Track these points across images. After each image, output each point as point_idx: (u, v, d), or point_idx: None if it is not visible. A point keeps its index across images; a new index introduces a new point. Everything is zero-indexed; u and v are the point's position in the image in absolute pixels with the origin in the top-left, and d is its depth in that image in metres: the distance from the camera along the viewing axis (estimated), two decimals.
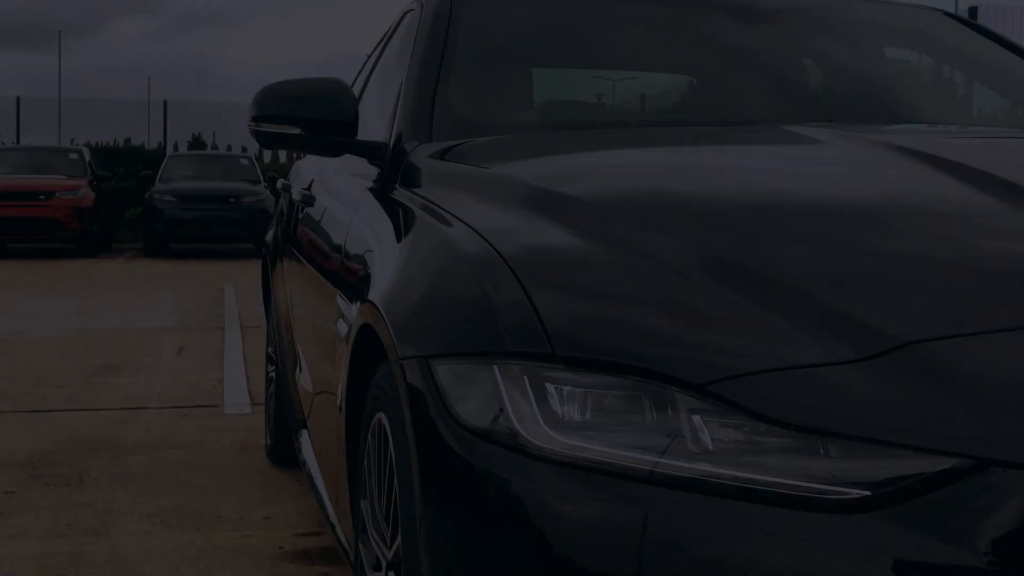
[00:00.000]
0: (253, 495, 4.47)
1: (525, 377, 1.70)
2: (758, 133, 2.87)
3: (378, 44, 4.23)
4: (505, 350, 1.74)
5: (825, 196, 2.15)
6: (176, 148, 27.79)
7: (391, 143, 2.94)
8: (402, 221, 2.46)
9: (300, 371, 3.86)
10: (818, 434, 1.55)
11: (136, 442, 5.35)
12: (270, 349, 5.23)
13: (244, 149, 26.62)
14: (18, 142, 26.59)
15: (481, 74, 3.23)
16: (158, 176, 21.24)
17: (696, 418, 1.60)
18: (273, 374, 5.04)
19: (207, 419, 5.92)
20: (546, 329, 1.72)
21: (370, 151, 3.02)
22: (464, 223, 2.13)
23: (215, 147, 28.82)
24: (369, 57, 4.33)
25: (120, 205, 24.24)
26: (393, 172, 2.81)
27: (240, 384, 6.92)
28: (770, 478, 1.54)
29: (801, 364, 1.59)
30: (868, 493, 1.51)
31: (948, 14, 3.83)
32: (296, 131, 2.98)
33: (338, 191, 3.43)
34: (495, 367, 1.73)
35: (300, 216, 4.05)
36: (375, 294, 2.23)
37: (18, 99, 27.79)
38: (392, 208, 2.61)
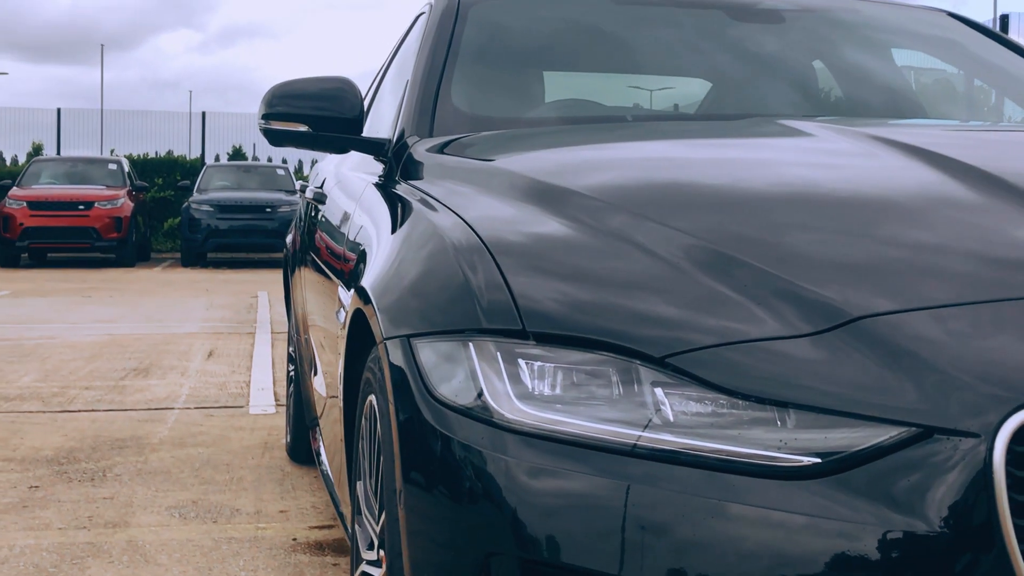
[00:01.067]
0: (271, 490, 4.55)
1: (498, 353, 1.77)
2: (752, 126, 2.93)
3: (395, 47, 4.31)
4: (480, 328, 1.80)
5: (804, 184, 2.21)
6: (218, 159, 28.07)
7: (394, 139, 3.02)
8: (398, 212, 2.53)
9: (315, 374, 3.93)
10: (771, 404, 1.60)
11: (160, 440, 5.45)
12: (291, 349, 5.32)
13: (284, 160, 26.83)
14: (59, 153, 26.93)
15: (485, 73, 3.30)
16: (195, 186, 21.47)
17: (659, 391, 1.66)
18: (293, 374, 5.12)
19: (231, 419, 6.01)
20: (518, 307, 1.79)
21: (375, 147, 3.10)
22: (453, 212, 2.20)
23: (255, 158, 29.06)
24: (386, 59, 4.42)
25: (159, 215, 24.54)
26: (395, 166, 2.89)
27: (267, 386, 7.02)
28: (725, 447, 1.60)
29: (757, 338, 1.66)
30: (818, 460, 1.57)
31: (952, 15, 3.87)
32: (303, 128, 3.06)
33: (345, 187, 3.51)
34: (470, 344, 1.80)
35: (313, 215, 4.14)
36: (366, 280, 2.30)
37: (59, 111, 28.14)
38: (390, 200, 2.68)
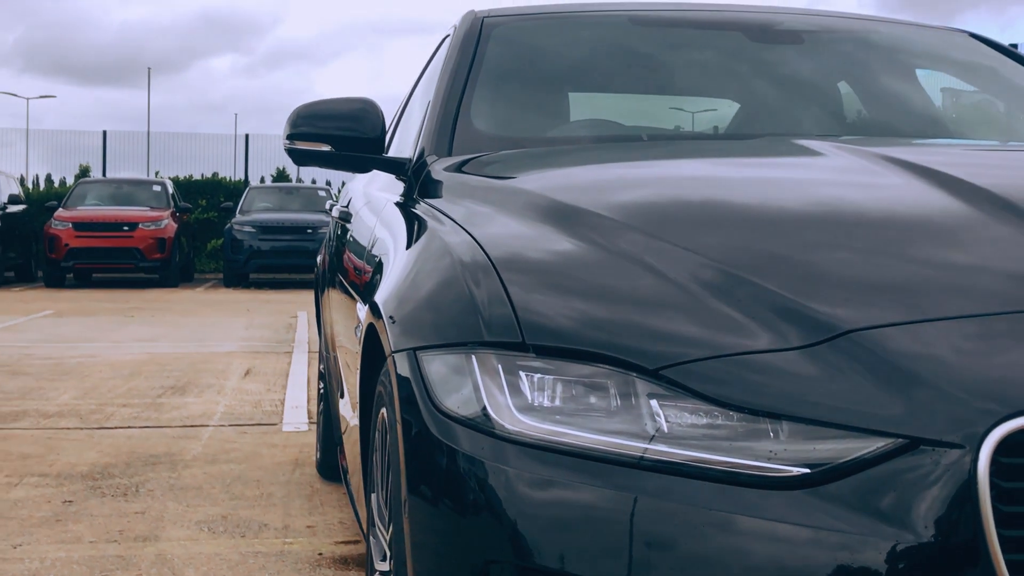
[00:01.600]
0: (299, 506, 4.60)
1: (499, 365, 1.81)
2: (765, 145, 2.96)
3: (422, 68, 4.37)
4: (482, 340, 1.85)
5: (804, 201, 2.25)
6: (263, 180, 28.30)
7: (414, 158, 3.07)
8: (413, 230, 2.58)
9: (342, 393, 3.98)
10: (762, 415, 1.64)
11: (193, 457, 5.52)
12: (321, 367, 5.38)
13: (328, 183, 26.99)
14: (104, 175, 27.24)
15: (505, 93, 3.35)
16: (238, 208, 21.64)
17: (654, 402, 1.70)
18: (323, 391, 5.18)
19: (264, 436, 6.08)
20: (519, 320, 1.83)
21: (396, 167, 3.16)
22: (464, 229, 2.25)
23: (299, 180, 29.26)
24: (414, 81, 4.48)
25: (202, 236, 24.76)
26: (414, 185, 2.94)
27: (300, 404, 7.09)
28: (716, 457, 1.64)
29: (749, 350, 1.69)
30: (807, 471, 1.60)
31: (975, 36, 3.89)
32: (326, 148, 3.12)
33: (368, 206, 3.57)
34: (472, 356, 1.84)
35: (339, 234, 4.21)
36: (379, 296, 2.35)
37: (104, 133, 28.47)
38: (407, 218, 2.73)
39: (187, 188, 25.59)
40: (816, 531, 1.57)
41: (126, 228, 19.97)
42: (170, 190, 21.99)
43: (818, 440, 1.61)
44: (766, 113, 3.40)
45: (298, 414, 6.75)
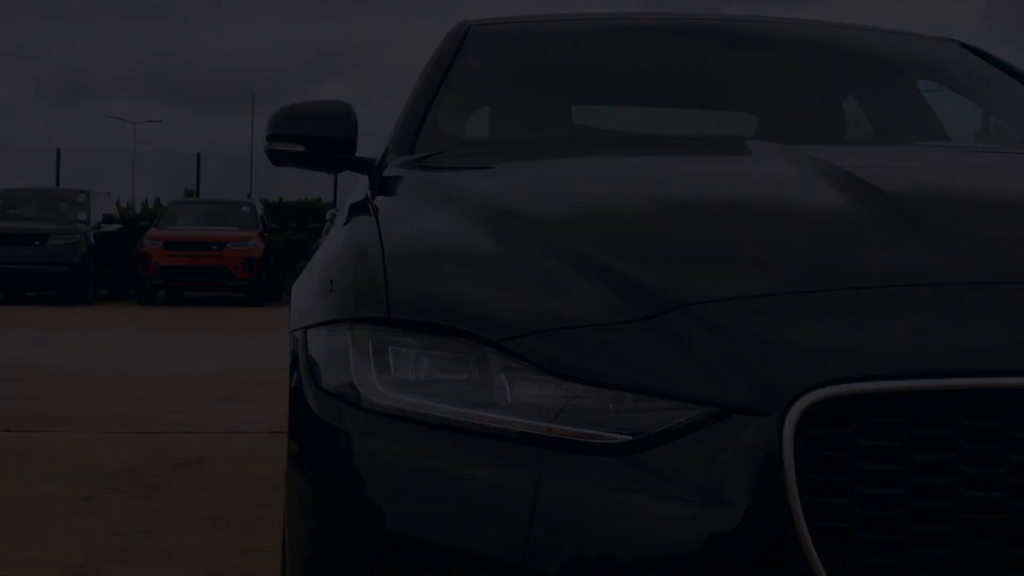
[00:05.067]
0: None
1: (370, 340, 1.88)
2: (703, 145, 3.02)
3: None
4: (356, 316, 1.93)
5: (688, 193, 2.35)
6: None
7: (379, 158, 3.16)
8: (346, 223, 2.67)
9: None
10: (591, 384, 1.70)
11: (224, 460, 5.66)
12: None
13: None
14: (198, 195, 27.79)
15: (473, 98, 3.43)
16: (324, 229, 21.92)
17: (502, 374, 1.76)
18: None
19: None
20: (388, 297, 1.91)
21: (364, 166, 3.24)
22: (375, 219, 2.34)
23: None
24: None
25: (292, 257, 25.09)
26: (373, 182, 3.03)
27: None
28: (552, 424, 1.70)
29: (585, 323, 1.75)
30: (630, 438, 1.66)
31: (963, 45, 3.89)
32: (300, 148, 3.22)
33: (341, 206, 3.67)
34: (348, 332, 1.92)
35: None
36: (294, 285, 2.45)
37: (198, 155, 29.08)
38: (348, 213, 2.82)
39: (277, 210, 25.97)
40: (635, 495, 1.62)
41: (214, 247, 20.38)
42: (259, 211, 22.38)
43: (642, 409, 1.67)
44: (782, 126, 3.41)
45: None
